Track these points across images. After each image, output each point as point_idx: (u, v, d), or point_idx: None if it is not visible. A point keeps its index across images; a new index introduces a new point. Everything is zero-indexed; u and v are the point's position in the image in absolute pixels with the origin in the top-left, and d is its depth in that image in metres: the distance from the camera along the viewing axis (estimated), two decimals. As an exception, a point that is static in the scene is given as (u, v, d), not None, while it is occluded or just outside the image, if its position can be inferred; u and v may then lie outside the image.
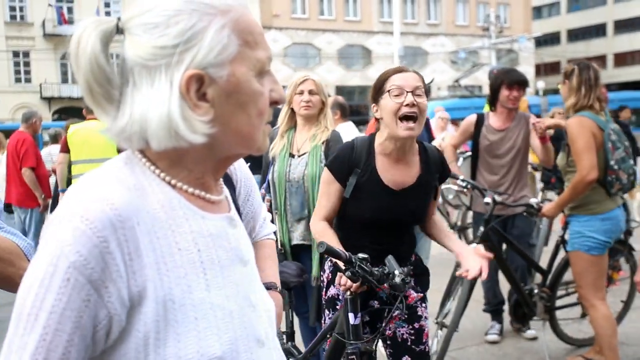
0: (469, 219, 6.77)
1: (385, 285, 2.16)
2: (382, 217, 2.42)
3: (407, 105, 2.28)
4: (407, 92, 2.29)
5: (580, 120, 3.46)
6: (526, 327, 4.49)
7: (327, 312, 2.57)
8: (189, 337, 0.91)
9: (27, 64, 33.06)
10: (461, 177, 4.07)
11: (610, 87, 35.27)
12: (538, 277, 4.38)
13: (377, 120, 2.46)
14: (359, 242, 2.44)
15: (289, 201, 3.34)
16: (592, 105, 3.48)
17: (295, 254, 3.39)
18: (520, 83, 4.16)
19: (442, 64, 39.37)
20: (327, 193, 2.51)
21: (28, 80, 33.01)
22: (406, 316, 2.47)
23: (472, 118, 4.46)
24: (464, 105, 14.18)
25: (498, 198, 3.99)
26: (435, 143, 5.40)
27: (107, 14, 31.96)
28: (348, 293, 2.26)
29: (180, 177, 0.98)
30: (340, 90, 35.29)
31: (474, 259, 2.38)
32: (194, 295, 0.93)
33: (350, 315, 2.26)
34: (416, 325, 2.49)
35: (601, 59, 48.87)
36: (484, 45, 33.75)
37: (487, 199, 4.00)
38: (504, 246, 4.25)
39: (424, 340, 2.49)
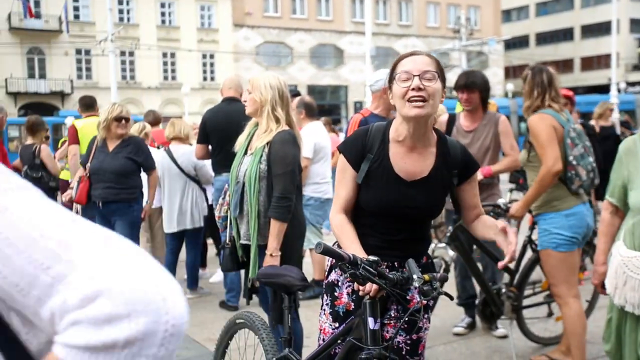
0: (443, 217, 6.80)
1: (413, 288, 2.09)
2: (390, 207, 2.34)
3: (413, 89, 2.21)
4: (415, 75, 2.21)
5: (540, 115, 3.56)
6: (494, 326, 4.54)
7: (324, 297, 2.50)
8: None
9: (-8, 58, 32.35)
10: None
11: (577, 90, 35.99)
12: (506, 277, 4.42)
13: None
14: (368, 231, 2.38)
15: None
16: (551, 106, 3.58)
17: (247, 253, 3.34)
18: (459, 87, 4.29)
19: (413, 65, 39.49)
20: (343, 181, 2.41)
21: (-7, 75, 32.32)
22: (406, 325, 2.38)
23: (444, 118, 4.55)
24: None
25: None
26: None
27: (75, 8, 31.40)
28: (367, 297, 2.20)
29: None
30: (311, 89, 35.29)
31: (506, 244, 2.25)
32: None
33: (370, 320, 2.18)
34: (414, 336, 2.41)
35: (568, 63, 49.85)
36: (455, 47, 34.09)
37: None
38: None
39: (419, 352, 2.44)
